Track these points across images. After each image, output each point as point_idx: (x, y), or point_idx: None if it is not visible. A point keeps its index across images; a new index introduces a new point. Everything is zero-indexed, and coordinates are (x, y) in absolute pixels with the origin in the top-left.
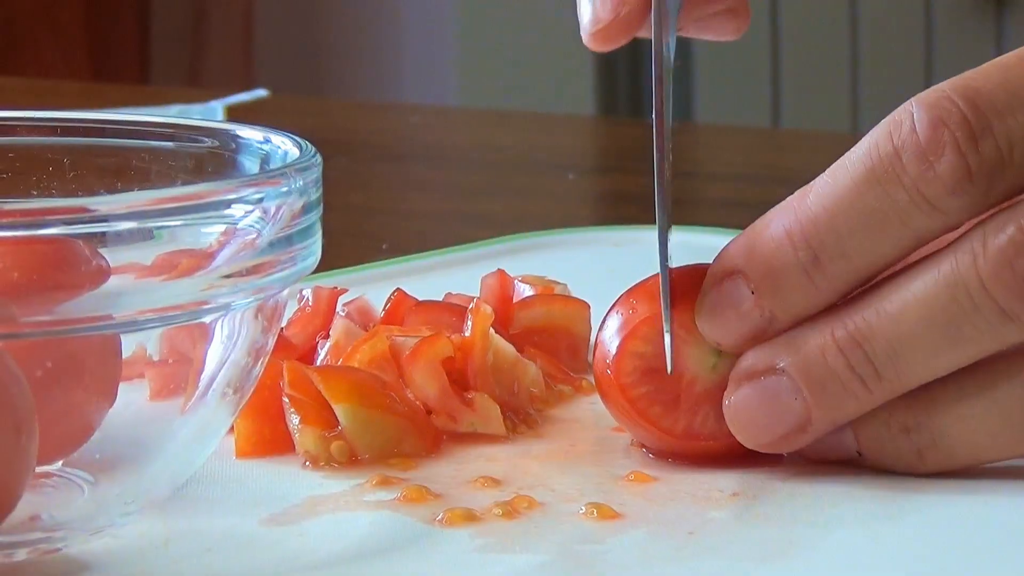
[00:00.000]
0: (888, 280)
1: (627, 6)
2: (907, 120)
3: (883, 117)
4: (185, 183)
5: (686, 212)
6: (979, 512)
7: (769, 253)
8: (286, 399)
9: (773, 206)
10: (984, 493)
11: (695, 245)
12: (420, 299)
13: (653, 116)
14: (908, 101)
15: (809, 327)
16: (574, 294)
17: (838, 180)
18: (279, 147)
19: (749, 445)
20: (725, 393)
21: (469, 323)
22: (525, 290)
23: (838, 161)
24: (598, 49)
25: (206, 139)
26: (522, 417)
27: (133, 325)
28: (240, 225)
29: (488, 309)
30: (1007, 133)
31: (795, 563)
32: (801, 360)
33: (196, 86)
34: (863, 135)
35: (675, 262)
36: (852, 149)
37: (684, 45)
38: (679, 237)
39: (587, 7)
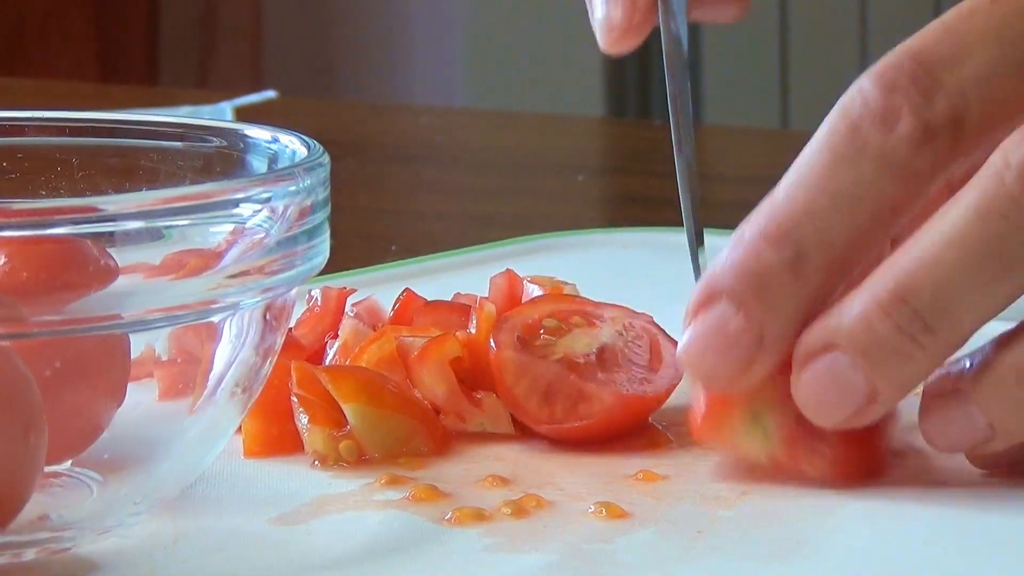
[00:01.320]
0: (917, 230)
1: (637, 10)
2: (858, 95)
3: None
4: (193, 183)
5: None
6: (989, 512)
7: (748, 261)
8: (295, 399)
9: None
10: (993, 493)
11: (705, 246)
12: (429, 300)
13: (670, 110)
14: (857, 79)
15: (853, 295)
16: (583, 295)
17: (803, 170)
18: (287, 146)
19: (825, 425)
20: (791, 379)
21: (473, 322)
22: (534, 291)
23: (800, 155)
24: (614, 52)
25: (214, 139)
26: None
27: (141, 325)
28: (248, 224)
29: (491, 307)
30: (957, 83)
31: (804, 562)
32: (849, 331)
33: (205, 87)
34: None
35: (680, 264)
36: (811, 140)
37: (693, 46)
38: (686, 239)
39: (600, 12)
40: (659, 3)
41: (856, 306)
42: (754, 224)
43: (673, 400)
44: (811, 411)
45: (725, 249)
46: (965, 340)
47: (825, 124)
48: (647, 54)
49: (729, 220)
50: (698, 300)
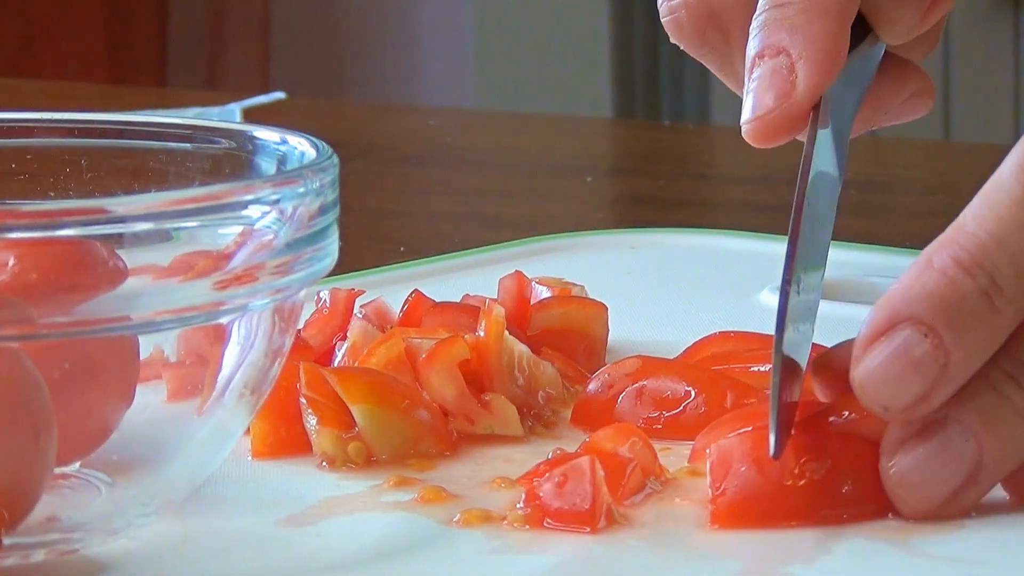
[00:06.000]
0: None
1: (791, 99)
2: None
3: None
4: (202, 184)
5: (703, 215)
6: (1004, 513)
7: (942, 287)
8: (303, 400)
9: (790, 208)
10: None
11: (711, 247)
12: (437, 301)
13: (790, 225)
14: None
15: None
16: (591, 296)
17: (994, 201)
18: (296, 148)
19: (918, 511)
20: (883, 464)
21: (482, 325)
22: (542, 292)
23: (987, 184)
24: (756, 143)
25: (223, 140)
26: (539, 418)
27: (150, 326)
28: (257, 226)
29: (500, 310)
30: None
31: (813, 565)
32: (971, 396)
33: (214, 88)
34: (880, 136)
35: (688, 264)
36: (998, 171)
37: None
38: (695, 240)
39: (750, 96)
40: (815, 111)
41: (978, 379)
42: (944, 251)
43: None
44: (909, 492)
45: (906, 275)
46: None
47: (1014, 155)
48: (655, 54)
49: (738, 221)
50: (879, 325)
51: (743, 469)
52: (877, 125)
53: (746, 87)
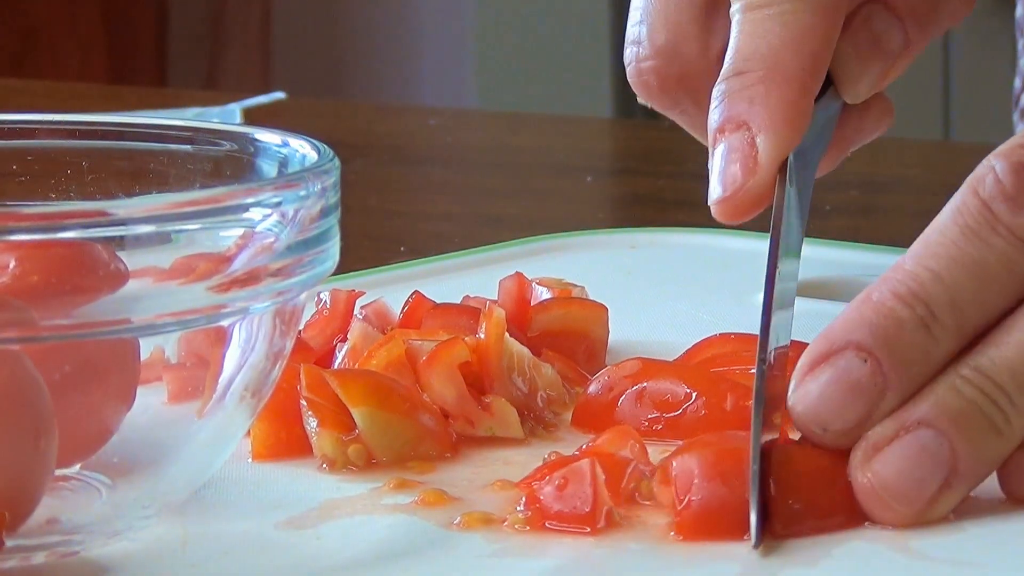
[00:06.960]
0: (999, 320)
1: (755, 176)
2: (989, 173)
3: (900, 118)
4: (203, 186)
5: (703, 215)
6: (1005, 518)
7: (881, 316)
8: (304, 402)
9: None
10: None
11: (711, 247)
12: (438, 301)
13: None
14: (986, 157)
15: (934, 381)
16: (592, 297)
17: (933, 241)
18: (297, 150)
19: (899, 517)
20: (855, 474)
21: (482, 327)
22: (543, 293)
23: (928, 227)
24: (727, 221)
25: (224, 142)
26: (539, 420)
27: (151, 329)
28: (258, 229)
29: (500, 312)
30: None
31: (814, 568)
32: (937, 402)
33: (214, 89)
34: (880, 136)
35: (688, 264)
36: (939, 214)
37: None
38: (695, 240)
39: (715, 174)
40: (781, 175)
41: (940, 385)
42: (883, 286)
43: None
44: (889, 497)
45: (846, 310)
46: None
47: (955, 198)
48: None
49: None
50: (819, 353)
51: (705, 482)
52: (850, 150)
53: (710, 161)
